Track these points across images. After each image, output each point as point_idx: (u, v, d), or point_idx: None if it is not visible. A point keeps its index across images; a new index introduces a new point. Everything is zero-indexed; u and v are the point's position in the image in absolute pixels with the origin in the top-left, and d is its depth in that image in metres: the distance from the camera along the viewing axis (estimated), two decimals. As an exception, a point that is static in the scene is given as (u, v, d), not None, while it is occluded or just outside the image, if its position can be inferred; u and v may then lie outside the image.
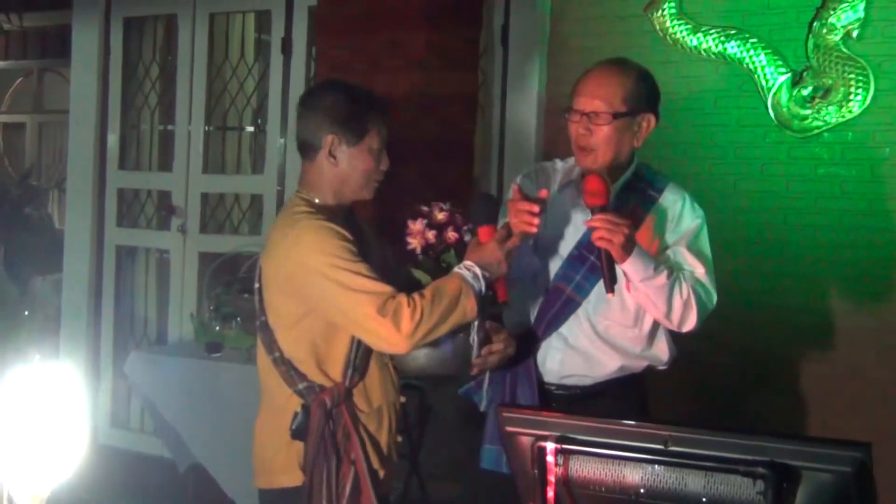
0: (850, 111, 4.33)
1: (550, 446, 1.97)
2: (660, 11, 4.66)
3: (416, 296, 2.72)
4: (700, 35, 4.60)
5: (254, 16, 6.11)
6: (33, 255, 8.27)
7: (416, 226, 3.02)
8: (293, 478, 2.96)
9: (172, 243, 6.05)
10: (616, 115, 2.97)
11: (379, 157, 3.02)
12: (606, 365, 3.13)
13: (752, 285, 4.35)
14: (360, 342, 2.89)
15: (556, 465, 1.96)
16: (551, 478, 1.96)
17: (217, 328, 5.00)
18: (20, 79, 11.25)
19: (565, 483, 1.96)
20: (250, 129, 6.15)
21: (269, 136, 5.78)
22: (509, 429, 2.06)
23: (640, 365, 3.16)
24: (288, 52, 5.65)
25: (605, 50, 4.79)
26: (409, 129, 5.04)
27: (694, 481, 1.86)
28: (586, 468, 1.95)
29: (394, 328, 2.69)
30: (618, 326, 3.12)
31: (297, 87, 5.64)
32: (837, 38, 4.33)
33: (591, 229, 2.86)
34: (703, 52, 4.60)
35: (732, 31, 4.54)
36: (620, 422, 1.98)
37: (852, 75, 4.31)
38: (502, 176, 5.03)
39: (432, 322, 2.72)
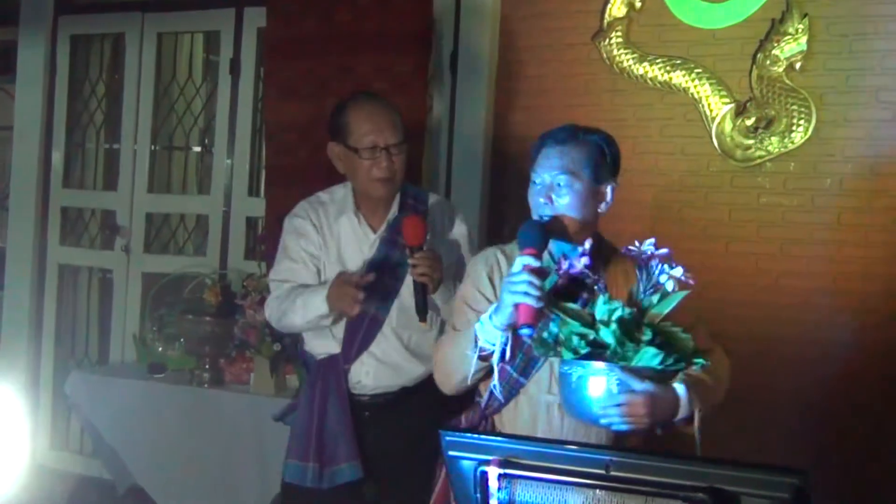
0: (792, 142, 4.39)
1: (493, 470, 1.97)
2: (607, 40, 4.71)
3: None
4: (646, 64, 4.65)
5: (202, 36, 6.09)
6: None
7: None
8: None
9: (116, 263, 5.99)
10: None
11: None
12: (413, 371, 3.44)
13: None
14: None
15: (499, 489, 1.97)
16: (494, 502, 1.97)
17: (160, 349, 4.97)
18: (-36, 94, 11.11)
19: (508, 507, 1.97)
20: (197, 149, 6.12)
21: (215, 156, 5.76)
22: (452, 453, 2.06)
23: None
24: (236, 73, 5.64)
25: (553, 77, 4.85)
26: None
27: (635, 506, 1.88)
28: (529, 492, 1.96)
29: None
30: (419, 334, 3.42)
31: (245, 108, 5.63)
32: (781, 69, 4.40)
33: (409, 265, 3.14)
34: (649, 80, 4.65)
35: (678, 61, 4.60)
36: (563, 446, 2.00)
37: (795, 106, 4.38)
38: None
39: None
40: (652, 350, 2.32)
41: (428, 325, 3.26)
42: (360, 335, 3.40)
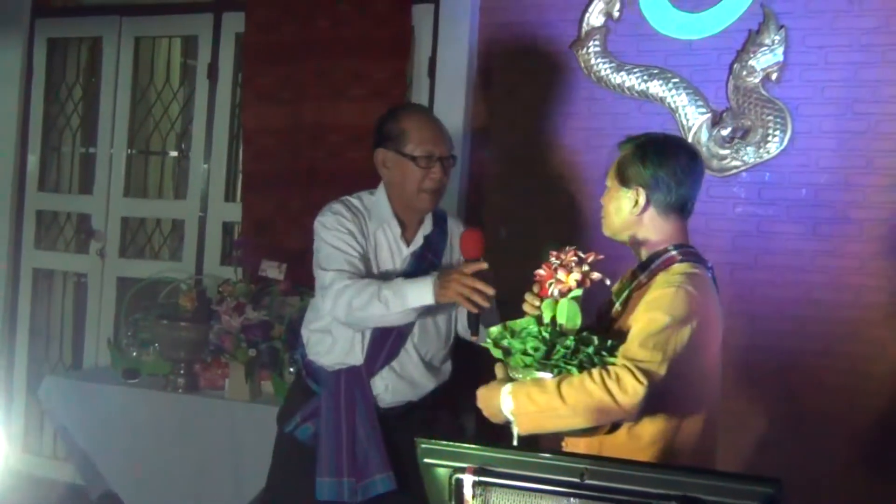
0: (767, 152, 4.42)
1: (468, 478, 1.98)
2: (584, 49, 4.73)
3: None
4: (623, 73, 4.67)
5: (180, 41, 6.08)
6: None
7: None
8: None
9: (91, 267, 5.97)
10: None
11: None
12: (427, 385, 3.50)
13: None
14: None
15: (474, 496, 1.97)
16: (469, 509, 1.98)
17: (134, 354, 4.95)
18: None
19: (483, 515, 1.98)
20: (174, 153, 6.11)
21: (192, 161, 5.74)
22: (427, 460, 2.06)
23: (446, 376, 3.59)
24: (214, 78, 5.63)
25: (531, 85, 4.86)
26: (334, 158, 5.05)
27: (609, 514, 1.89)
28: (504, 500, 1.97)
29: None
30: (435, 350, 3.49)
31: (223, 114, 5.62)
32: (757, 80, 4.43)
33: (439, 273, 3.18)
34: (626, 90, 4.67)
35: (655, 71, 4.62)
36: (538, 454, 2.00)
37: (770, 117, 4.41)
38: (429, 206, 5.05)
39: None
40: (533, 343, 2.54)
41: (478, 338, 3.15)
42: (385, 349, 3.40)
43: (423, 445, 2.08)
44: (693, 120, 4.54)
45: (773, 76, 4.41)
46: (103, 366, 5.51)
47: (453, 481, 2.00)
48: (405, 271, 3.41)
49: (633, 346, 2.50)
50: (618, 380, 2.42)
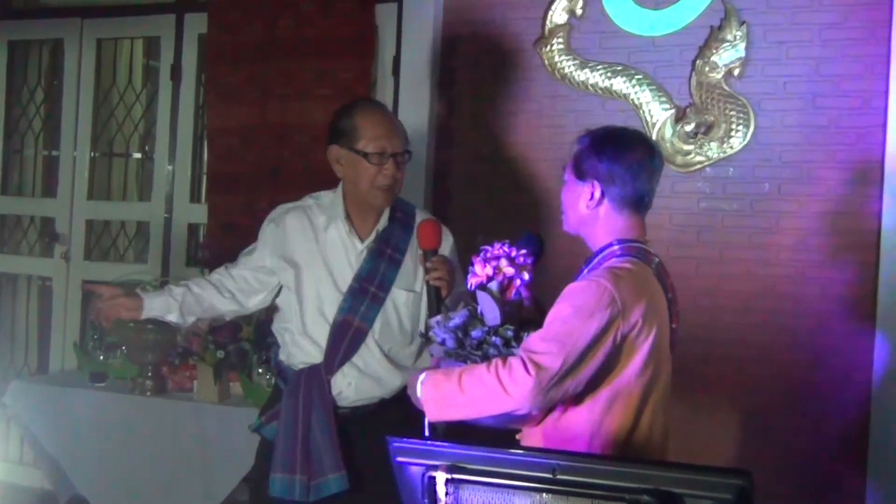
0: (731, 147, 4.46)
1: (441, 476, 1.98)
2: (548, 47, 4.75)
3: None
4: (587, 70, 4.69)
5: (142, 42, 6.04)
6: None
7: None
8: None
9: (55, 271, 5.93)
10: None
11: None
12: (392, 383, 3.44)
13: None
14: None
15: (447, 494, 1.98)
16: (441, 507, 1.98)
17: (101, 357, 4.92)
18: None
19: (455, 512, 1.98)
20: (137, 155, 6.07)
21: (156, 163, 5.72)
22: (400, 459, 2.07)
23: None
24: (177, 79, 5.61)
25: (495, 83, 4.87)
26: (300, 158, 5.04)
27: (581, 509, 1.90)
28: (476, 497, 1.98)
29: None
30: (398, 346, 3.46)
31: (186, 114, 5.60)
32: (719, 76, 4.46)
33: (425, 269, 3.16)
34: (590, 87, 4.69)
35: (618, 68, 4.64)
36: (510, 451, 2.01)
37: (733, 112, 4.44)
38: (393, 204, 5.05)
39: None
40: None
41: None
42: (343, 346, 3.38)
43: (395, 444, 2.08)
44: (657, 116, 4.56)
45: (736, 72, 4.45)
46: (70, 370, 5.47)
47: (426, 480, 2.01)
48: (362, 267, 3.41)
49: (534, 337, 2.49)
50: (510, 370, 2.42)
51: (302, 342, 3.45)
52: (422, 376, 2.61)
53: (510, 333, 2.55)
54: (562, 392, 2.45)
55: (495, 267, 2.61)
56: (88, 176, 5.90)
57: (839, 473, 4.31)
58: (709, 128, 4.49)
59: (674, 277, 2.78)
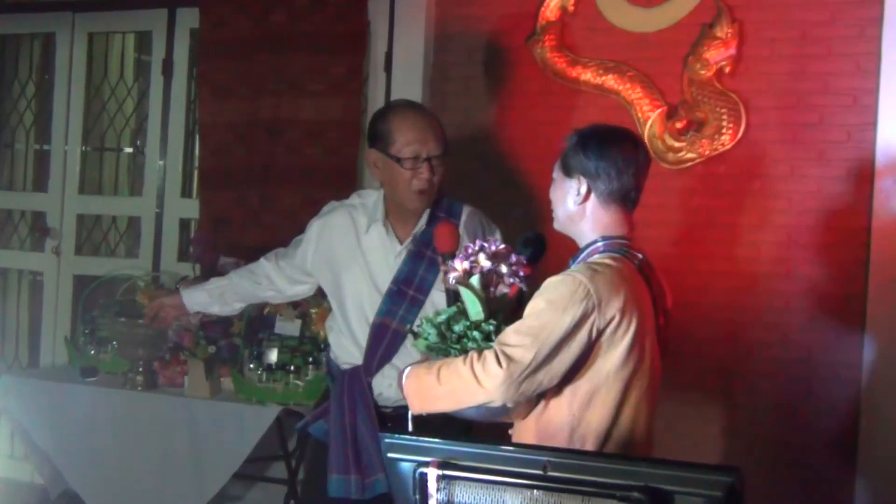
0: (722, 144, 4.46)
1: (432, 472, 1.99)
2: (540, 43, 4.75)
3: None
4: (579, 67, 4.70)
5: (134, 36, 6.04)
6: None
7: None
8: None
9: (46, 265, 5.92)
10: None
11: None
12: None
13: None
14: None
15: (438, 490, 1.98)
16: (432, 503, 1.99)
17: (92, 352, 4.91)
18: None
19: (447, 508, 1.99)
20: (129, 150, 6.07)
21: (148, 157, 5.71)
22: (391, 455, 2.07)
23: None
24: (169, 74, 5.60)
25: (487, 79, 4.88)
26: (292, 154, 5.04)
27: (572, 506, 1.91)
28: (467, 493, 1.98)
29: None
30: None
31: (178, 109, 5.59)
32: (711, 73, 4.46)
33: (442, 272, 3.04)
34: (581, 83, 4.69)
35: (610, 65, 4.65)
36: (501, 447, 2.02)
37: (724, 109, 4.45)
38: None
39: None
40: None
41: None
42: (381, 348, 3.38)
43: (387, 440, 2.09)
44: (648, 113, 4.57)
45: (727, 69, 4.45)
46: (61, 364, 5.47)
47: (417, 475, 2.01)
48: (401, 269, 3.40)
49: (509, 330, 2.50)
50: (484, 363, 2.44)
51: (345, 343, 3.47)
52: (407, 370, 2.65)
53: (491, 328, 2.55)
54: (535, 385, 2.47)
55: (472, 261, 2.62)
56: (80, 170, 5.90)
57: (828, 470, 4.32)
58: (700, 125, 4.49)
59: (665, 274, 2.79)
